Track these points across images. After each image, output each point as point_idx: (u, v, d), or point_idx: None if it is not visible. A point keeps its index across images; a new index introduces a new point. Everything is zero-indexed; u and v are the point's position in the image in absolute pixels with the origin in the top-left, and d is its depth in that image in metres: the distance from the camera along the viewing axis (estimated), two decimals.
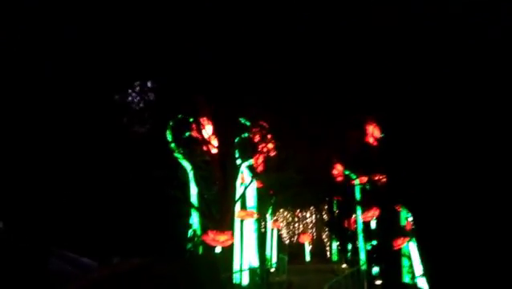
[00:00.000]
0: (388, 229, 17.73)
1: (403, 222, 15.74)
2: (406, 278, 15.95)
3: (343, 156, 20.21)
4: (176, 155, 18.32)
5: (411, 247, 13.89)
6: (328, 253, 39.47)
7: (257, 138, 18.29)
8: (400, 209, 16.25)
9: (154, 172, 17.74)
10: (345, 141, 17.04)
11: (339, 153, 19.34)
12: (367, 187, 21.57)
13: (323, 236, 40.74)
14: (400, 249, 16.09)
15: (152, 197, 19.35)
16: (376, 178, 17.93)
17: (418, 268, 13.52)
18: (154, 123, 16.98)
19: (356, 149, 16.51)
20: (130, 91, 16.58)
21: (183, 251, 17.94)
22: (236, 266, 18.28)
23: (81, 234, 16.15)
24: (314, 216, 41.33)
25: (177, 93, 17.61)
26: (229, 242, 14.84)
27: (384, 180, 16.80)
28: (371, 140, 15.81)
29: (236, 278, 17.77)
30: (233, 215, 17.90)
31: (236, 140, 17.86)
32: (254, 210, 19.92)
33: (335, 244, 38.02)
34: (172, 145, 17.96)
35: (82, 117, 15.84)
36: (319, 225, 40.88)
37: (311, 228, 41.34)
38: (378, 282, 16.47)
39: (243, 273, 18.00)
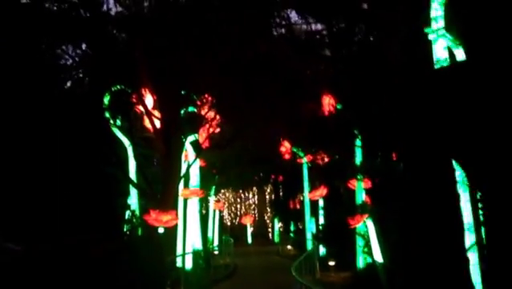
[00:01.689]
0: (342, 208, 17.08)
1: (358, 200, 15.06)
2: (360, 259, 15.37)
3: (293, 132, 19.30)
4: (114, 129, 16.69)
5: (368, 226, 13.22)
6: (270, 234, 39.00)
7: (202, 112, 17.00)
8: (356, 187, 15.60)
9: (87, 146, 16.12)
10: (298, 114, 16.07)
11: (290, 128, 18.37)
12: (317, 164, 20.89)
13: (266, 217, 40.14)
14: (354, 228, 15.48)
15: (87, 175, 17.78)
16: (328, 154, 17.16)
17: (376, 247, 12.88)
18: (90, 86, 15.28)
19: (310, 122, 15.58)
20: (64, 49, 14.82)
21: (120, 233, 16.44)
22: (179, 249, 17.13)
23: (5, 217, 14.36)
24: (256, 197, 40.57)
25: (115, 61, 15.96)
26: (174, 223, 13.58)
27: (340, 155, 16.06)
28: (326, 111, 14.94)
29: (178, 261, 16.61)
30: (176, 194, 16.69)
31: (181, 114, 16.47)
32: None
33: (277, 225, 37.63)
34: (109, 118, 16.30)
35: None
36: (262, 206, 40.21)
37: (254, 209, 40.61)
38: (331, 263, 15.82)
39: (186, 256, 16.83)
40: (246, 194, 40.64)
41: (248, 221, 37.55)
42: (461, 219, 6.54)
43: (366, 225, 14.32)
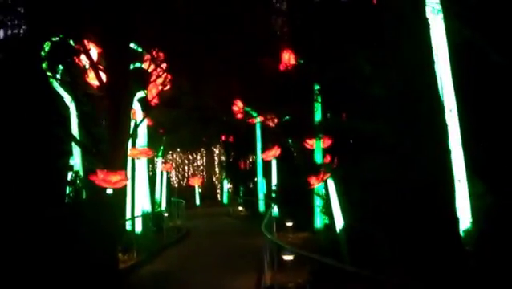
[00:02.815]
0: (297, 168, 16.68)
1: (318, 159, 14.65)
2: (318, 219, 15.10)
3: (249, 90, 18.54)
4: (53, 82, 15.30)
5: (329, 185, 12.84)
6: (219, 196, 38.55)
7: (150, 67, 15.87)
8: (313, 146, 15.18)
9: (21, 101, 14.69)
10: (256, 70, 15.29)
11: (247, 85, 17.59)
12: (271, 124, 20.33)
13: (214, 179, 39.56)
14: (310, 188, 15.14)
15: (21, 133, 16.35)
16: (286, 112, 16.59)
17: (336, 207, 12.53)
18: (26, 33, 13.79)
19: (269, 78, 14.86)
20: None
21: (62, 196, 15.31)
22: (128, 211, 16.25)
23: None
24: (205, 158, 39.78)
25: (56, 6, 14.43)
26: (123, 183, 12.59)
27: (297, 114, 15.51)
28: (286, 67, 14.23)
29: (128, 225, 15.77)
30: (125, 154, 15.66)
31: (129, 69, 15.27)
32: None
33: (226, 187, 37.19)
34: (47, 70, 14.89)
35: None
36: (211, 167, 39.53)
37: (202, 171, 39.87)
38: (289, 223, 15.45)
39: (136, 219, 15.98)
40: (194, 155, 39.75)
41: (196, 183, 36.81)
42: (451, 177, 6.09)
43: (325, 186, 14.00)
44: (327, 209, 14.36)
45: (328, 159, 13.07)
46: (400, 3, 5.68)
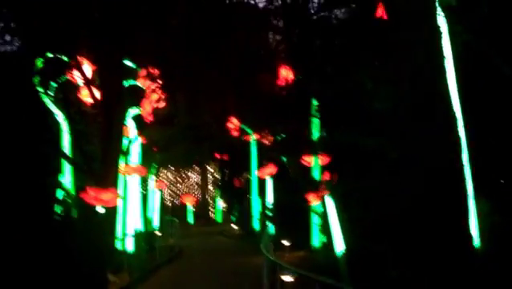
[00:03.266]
0: (293, 186, 16.33)
1: (316, 176, 14.34)
2: (316, 238, 14.73)
3: (245, 107, 18.27)
4: (45, 99, 15.00)
5: (327, 203, 12.51)
6: (212, 215, 37.99)
7: (145, 84, 15.63)
8: (311, 163, 14.89)
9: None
10: (253, 86, 15.07)
11: (243, 102, 17.34)
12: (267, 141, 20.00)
13: (208, 197, 39.03)
14: (307, 206, 14.83)
15: (11, 150, 15.95)
16: (282, 129, 16.30)
17: (335, 226, 12.19)
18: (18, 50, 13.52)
19: (266, 95, 14.64)
20: None
21: (51, 216, 14.84)
22: (119, 230, 15.79)
23: None
24: (199, 176, 39.30)
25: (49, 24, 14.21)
26: (115, 201, 12.24)
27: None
28: (283, 83, 14.01)
29: (119, 244, 15.31)
30: (117, 171, 15.28)
31: (123, 86, 15.03)
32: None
33: (219, 205, 36.66)
34: (40, 87, 14.60)
35: None
36: (204, 186, 39.02)
37: (195, 189, 39.35)
38: (286, 242, 15.05)
39: (128, 238, 15.53)
40: (188, 173, 39.25)
41: (189, 201, 36.29)
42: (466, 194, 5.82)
43: (322, 203, 13.69)
44: (325, 228, 14.04)
45: (327, 176, 12.74)
46: (412, 11, 5.48)
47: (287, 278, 7.79)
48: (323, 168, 14.23)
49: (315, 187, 12.80)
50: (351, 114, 11.01)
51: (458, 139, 5.63)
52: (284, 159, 21.02)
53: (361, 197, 10.84)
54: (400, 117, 9.81)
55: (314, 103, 14.00)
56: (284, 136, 20.34)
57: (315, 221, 14.72)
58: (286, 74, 14.34)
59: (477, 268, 5.97)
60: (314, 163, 14.48)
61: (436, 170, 6.46)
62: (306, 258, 14.20)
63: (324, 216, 14.06)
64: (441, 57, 5.45)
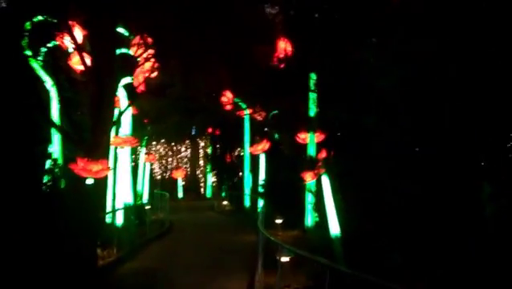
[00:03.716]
0: (287, 163, 15.97)
1: (312, 154, 13.96)
2: (309, 217, 14.44)
3: (241, 80, 17.72)
4: (34, 64, 14.40)
5: (323, 182, 12.17)
6: (202, 189, 37.68)
7: (138, 52, 15.03)
8: (306, 140, 14.51)
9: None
10: (250, 59, 14.50)
11: (239, 75, 16.78)
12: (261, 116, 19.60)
13: (198, 172, 38.64)
14: (300, 185, 14.49)
15: None
16: (278, 104, 15.86)
17: (330, 205, 11.88)
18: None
19: (266, 67, 14.08)
20: None
21: (39, 186, 14.40)
22: (109, 203, 15.41)
23: None
24: (189, 150, 38.81)
25: None
26: (105, 173, 11.77)
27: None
28: (280, 57, 13.46)
29: (108, 217, 14.93)
30: (108, 142, 14.80)
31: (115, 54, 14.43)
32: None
33: (210, 180, 36.35)
34: (27, 50, 13.98)
35: None
36: (195, 160, 38.59)
37: (186, 163, 38.91)
38: (278, 220, 14.77)
39: (117, 211, 15.15)
40: (179, 147, 38.72)
41: (179, 176, 35.90)
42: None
43: (317, 182, 13.37)
44: (319, 207, 13.76)
45: (324, 154, 12.39)
46: None
47: (285, 259, 7.47)
48: (319, 146, 13.90)
49: (311, 165, 12.44)
50: (351, 90, 10.57)
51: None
52: (276, 136, 20.70)
53: (358, 176, 10.49)
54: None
55: (313, 77, 13.55)
56: (277, 111, 20.00)
57: (309, 199, 14.40)
58: (284, 46, 13.79)
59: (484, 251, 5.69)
60: (310, 140, 14.10)
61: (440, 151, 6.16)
62: (300, 238, 13.92)
63: (318, 195, 13.77)
64: None
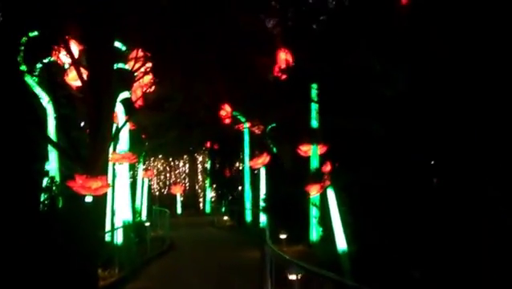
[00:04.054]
0: (289, 176, 15.66)
1: (315, 166, 13.68)
2: (314, 231, 14.10)
3: (240, 93, 17.47)
4: (29, 80, 14.14)
5: (329, 195, 11.87)
6: (201, 205, 37.24)
7: (135, 66, 14.82)
8: (308, 153, 14.25)
9: None
10: (250, 71, 14.27)
11: (238, 87, 16.52)
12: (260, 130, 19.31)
13: (197, 187, 38.24)
14: (304, 198, 14.19)
15: None
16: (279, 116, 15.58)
17: (336, 219, 11.57)
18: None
19: (265, 78, 13.88)
20: None
21: (36, 205, 14.02)
22: (107, 221, 15.00)
23: None
24: (187, 165, 38.46)
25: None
26: (104, 190, 11.45)
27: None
28: (281, 68, 13.22)
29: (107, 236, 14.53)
30: (106, 158, 14.49)
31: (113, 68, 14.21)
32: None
33: (209, 195, 35.95)
34: (23, 66, 13.72)
35: None
36: (193, 175, 38.21)
37: (184, 178, 38.52)
38: (283, 235, 14.41)
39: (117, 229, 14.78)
40: (176, 162, 38.37)
41: (178, 191, 35.51)
42: None
43: (320, 195, 13.07)
44: (324, 221, 13.45)
45: (328, 166, 12.07)
46: None
47: (294, 277, 7.11)
48: (322, 158, 13.62)
49: (317, 177, 12.13)
50: (355, 98, 10.31)
51: None
52: (274, 149, 20.44)
53: (366, 188, 10.19)
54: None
55: (314, 87, 13.32)
56: (276, 124, 19.77)
57: (313, 213, 14.07)
58: (285, 57, 13.55)
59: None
60: (313, 152, 13.81)
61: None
62: (306, 253, 13.55)
63: (323, 208, 13.48)
64: None
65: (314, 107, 13.69)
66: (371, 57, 9.63)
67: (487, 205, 6.83)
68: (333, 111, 12.10)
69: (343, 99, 10.62)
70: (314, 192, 12.39)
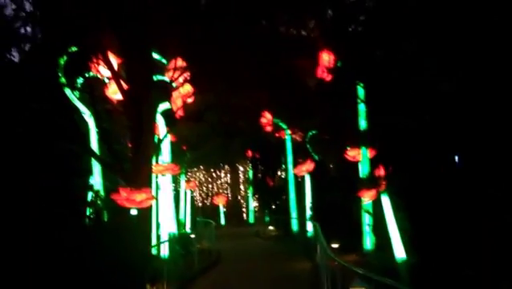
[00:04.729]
0: (344, 182, 14.97)
1: (365, 171, 12.96)
2: (368, 240, 13.35)
3: (281, 99, 16.95)
4: (70, 96, 14.16)
5: (383, 202, 11.17)
6: (244, 215, 36.79)
7: (173, 78, 14.63)
8: (356, 158, 13.58)
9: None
10: (290, 75, 13.77)
11: (279, 94, 16.03)
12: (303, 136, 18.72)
13: (239, 197, 37.88)
14: (355, 205, 13.51)
15: (37, 152, 15.08)
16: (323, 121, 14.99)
17: (393, 227, 10.85)
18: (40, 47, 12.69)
19: (311, 83, 13.36)
20: None
21: (81, 219, 13.88)
22: (153, 233, 14.73)
23: None
24: (229, 176, 38.19)
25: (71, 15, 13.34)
26: (149, 203, 11.16)
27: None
28: (324, 73, 12.65)
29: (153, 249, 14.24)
30: (150, 170, 14.29)
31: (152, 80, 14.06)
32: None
33: (252, 205, 35.50)
34: (66, 83, 13.76)
35: None
36: (235, 185, 37.89)
37: (226, 189, 38.25)
38: (334, 245, 13.72)
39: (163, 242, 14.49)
40: (218, 173, 38.17)
41: (220, 202, 35.19)
42: None
43: (374, 202, 12.36)
44: (377, 228, 12.73)
45: (382, 170, 11.33)
46: None
47: None
48: (373, 162, 12.92)
49: (370, 183, 11.43)
50: (408, 95, 9.64)
51: None
52: (316, 157, 19.81)
53: (423, 193, 9.47)
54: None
55: (361, 86, 12.67)
56: (315, 131, 19.18)
57: (366, 221, 13.33)
58: (328, 58, 12.94)
59: None
60: (363, 156, 13.13)
61: None
62: (360, 263, 12.76)
63: (376, 215, 12.77)
64: None
65: (362, 108, 13.02)
66: (426, 50, 8.98)
67: None
68: (384, 111, 11.41)
69: (395, 96, 9.96)
70: (367, 198, 11.68)
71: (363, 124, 13.05)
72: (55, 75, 13.66)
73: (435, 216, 9.07)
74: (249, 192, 35.19)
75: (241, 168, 37.56)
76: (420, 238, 9.80)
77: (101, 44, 12.52)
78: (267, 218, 29.96)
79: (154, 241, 14.55)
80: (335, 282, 8.97)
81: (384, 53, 10.56)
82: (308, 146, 20.33)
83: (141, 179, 11.98)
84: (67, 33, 13.47)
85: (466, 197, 8.60)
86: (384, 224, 11.58)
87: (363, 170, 13.20)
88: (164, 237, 15.08)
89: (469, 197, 8.50)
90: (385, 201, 11.13)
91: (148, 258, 12.03)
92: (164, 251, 14.33)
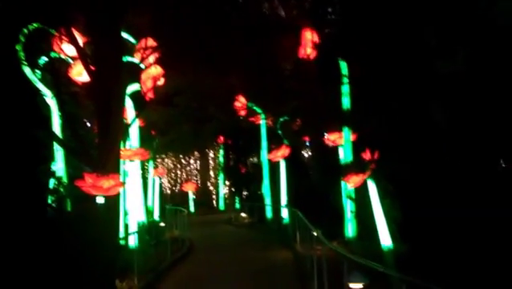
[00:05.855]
0: (323, 167, 14.45)
1: (348, 155, 12.43)
2: (350, 226, 12.84)
3: (258, 82, 16.15)
4: (31, 76, 13.14)
5: (369, 187, 10.63)
6: (215, 202, 36.03)
7: (143, 58, 13.76)
8: (339, 142, 13.04)
9: None
10: (270, 56, 13.01)
11: (255, 76, 15.25)
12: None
13: (209, 184, 37.08)
14: (335, 191, 13.02)
15: None
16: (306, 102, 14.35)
17: (378, 212, 10.33)
18: None
19: (289, 66, 12.68)
20: None
21: (43, 208, 12.98)
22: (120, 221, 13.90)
23: None
24: (199, 162, 37.33)
25: None
26: (118, 190, 10.23)
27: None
28: (308, 50, 11.93)
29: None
30: (118, 156, 13.39)
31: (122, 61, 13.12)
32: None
33: (222, 192, 34.79)
34: (24, 61, 12.71)
35: None
36: (205, 172, 37.07)
37: (196, 176, 37.40)
38: (314, 232, 13.15)
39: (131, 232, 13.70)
40: (187, 159, 37.21)
41: (190, 189, 34.32)
42: None
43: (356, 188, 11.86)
44: (360, 215, 12.26)
45: (368, 154, 10.73)
46: None
47: (357, 286, 5.90)
48: (356, 146, 12.38)
49: (357, 168, 10.84)
50: (401, 76, 9.07)
51: None
52: (286, 142, 19.28)
53: (417, 177, 8.97)
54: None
55: (343, 68, 12.08)
56: (287, 118, 18.61)
57: (349, 207, 12.83)
58: (310, 37, 12.22)
59: None
60: (346, 140, 12.58)
61: None
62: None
63: (357, 201, 12.31)
64: None
65: (346, 89, 12.41)
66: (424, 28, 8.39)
67: None
68: (369, 90, 10.77)
69: (386, 77, 9.37)
70: (353, 183, 11.09)
71: (346, 102, 12.41)
72: (14, 53, 12.60)
73: (426, 202, 8.58)
74: (220, 178, 34.42)
75: (211, 155, 36.71)
76: (410, 225, 9.32)
77: (65, 19, 11.49)
78: (238, 205, 29.36)
79: (122, 230, 13.73)
80: (321, 274, 8.41)
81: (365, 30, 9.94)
82: (279, 132, 19.80)
83: (109, 164, 11.06)
84: (28, 4, 12.42)
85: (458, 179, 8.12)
86: (367, 210, 11.07)
87: (346, 154, 12.64)
88: (133, 226, 14.25)
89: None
90: (371, 186, 10.60)
91: (117, 251, 11.18)
92: (133, 241, 13.48)
